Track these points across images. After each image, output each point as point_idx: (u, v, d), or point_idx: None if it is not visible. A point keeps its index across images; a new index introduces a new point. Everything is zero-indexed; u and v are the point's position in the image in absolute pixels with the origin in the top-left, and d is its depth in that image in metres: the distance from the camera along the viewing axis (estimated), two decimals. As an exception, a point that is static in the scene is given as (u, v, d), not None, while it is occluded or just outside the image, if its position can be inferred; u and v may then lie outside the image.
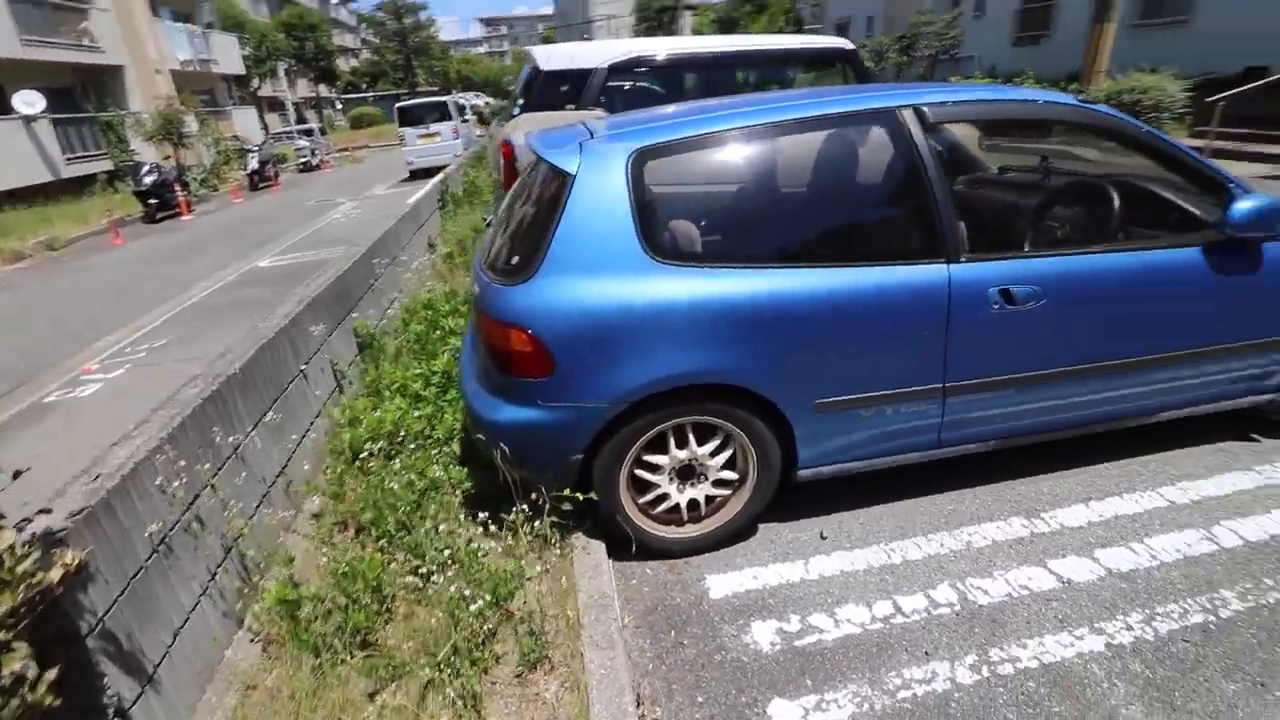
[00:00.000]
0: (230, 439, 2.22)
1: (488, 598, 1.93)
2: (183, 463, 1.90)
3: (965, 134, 3.14)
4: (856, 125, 2.27)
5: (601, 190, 2.12)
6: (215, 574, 2.02)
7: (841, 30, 24.72)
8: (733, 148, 2.22)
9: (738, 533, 2.44)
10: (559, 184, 2.18)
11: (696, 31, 33.98)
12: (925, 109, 2.23)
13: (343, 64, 42.81)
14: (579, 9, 48.21)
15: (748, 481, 2.35)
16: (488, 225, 3.06)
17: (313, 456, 2.88)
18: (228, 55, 23.14)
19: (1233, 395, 2.66)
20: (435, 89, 39.40)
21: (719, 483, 2.36)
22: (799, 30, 26.18)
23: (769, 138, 2.24)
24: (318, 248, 9.44)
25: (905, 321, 2.18)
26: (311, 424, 2.93)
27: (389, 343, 3.73)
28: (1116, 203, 2.44)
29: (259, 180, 16.91)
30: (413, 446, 2.79)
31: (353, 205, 13.32)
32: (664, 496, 2.34)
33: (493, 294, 2.19)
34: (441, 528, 2.37)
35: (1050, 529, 2.41)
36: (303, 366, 2.92)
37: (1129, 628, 1.97)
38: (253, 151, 17.28)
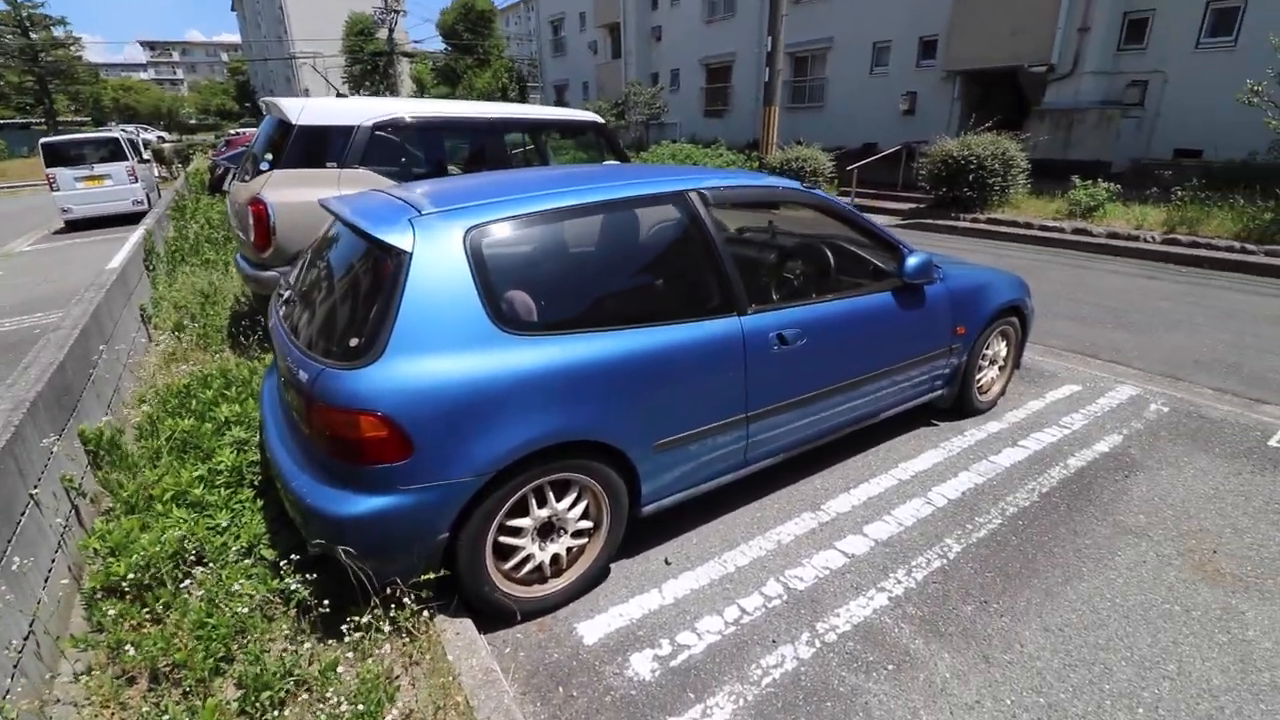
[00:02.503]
0: (-38, 603, 1.68)
1: (359, 710, 1.79)
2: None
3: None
4: (658, 205, 2.65)
5: (442, 267, 2.15)
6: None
7: (560, 92, 26.71)
8: (560, 224, 2.43)
9: (596, 577, 2.59)
10: (392, 261, 2.15)
11: (416, 79, 33.53)
12: (706, 192, 2.72)
13: (-71, 82, 32.36)
14: (274, 43, 43.73)
15: (602, 527, 2.53)
16: (281, 296, 2.77)
17: (60, 604, 2.27)
18: None
19: (920, 394, 3.65)
20: (84, 119, 32.14)
21: (576, 533, 2.49)
22: (523, 88, 27.61)
23: (589, 214, 2.50)
24: (-61, 327, 7.07)
25: (717, 365, 2.60)
26: (52, 563, 2.31)
27: (133, 447, 3.07)
28: (841, 260, 3.23)
29: None
30: (207, 565, 2.37)
31: (-17, 268, 10.21)
32: (528, 558, 2.39)
33: (328, 379, 2.05)
34: (278, 649, 2.10)
35: (830, 517, 3.04)
36: (33, 491, 2.29)
37: (899, 582, 2.61)
38: None
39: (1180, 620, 2.40)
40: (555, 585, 2.48)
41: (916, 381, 3.54)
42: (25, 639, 1.98)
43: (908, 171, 12.74)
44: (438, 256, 2.15)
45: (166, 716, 1.72)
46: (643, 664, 2.24)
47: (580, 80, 25.36)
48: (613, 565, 2.72)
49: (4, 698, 1.75)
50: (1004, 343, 4.08)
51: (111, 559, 2.34)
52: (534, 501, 2.33)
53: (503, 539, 2.31)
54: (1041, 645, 2.29)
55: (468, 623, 2.31)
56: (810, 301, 2.94)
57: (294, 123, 4.30)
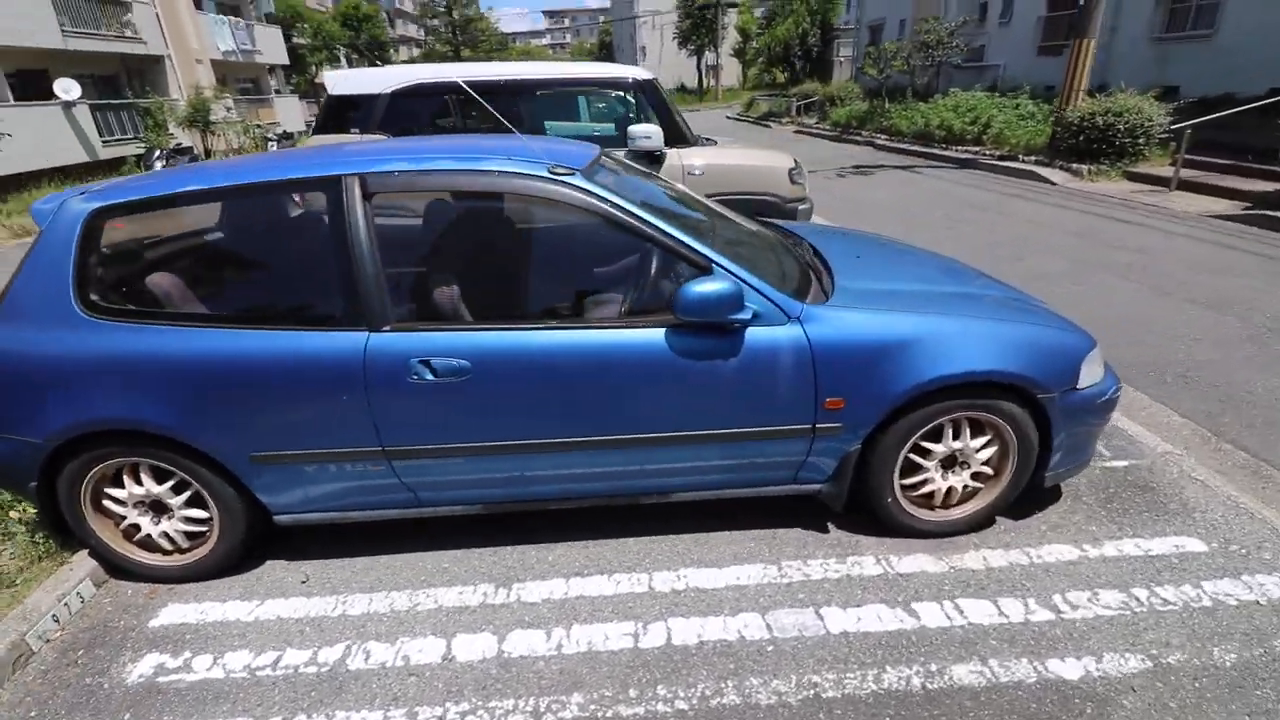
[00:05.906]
0: None
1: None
2: None
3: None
4: (298, 191, 2.33)
5: (56, 246, 2.29)
6: None
7: (875, 32, 23.72)
8: (184, 211, 2.35)
9: (229, 566, 2.58)
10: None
11: (741, 29, 33.43)
12: (369, 178, 2.28)
13: (405, 53, 44.56)
14: (625, 5, 48.30)
15: (214, 522, 2.49)
16: None
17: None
18: (271, 46, 24.70)
19: (758, 483, 2.57)
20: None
21: (192, 520, 2.51)
22: (825, 33, 25.19)
23: (218, 201, 2.35)
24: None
25: (321, 386, 2.24)
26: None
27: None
28: (592, 277, 2.41)
29: (278, 165, 18.00)
30: None
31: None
32: (136, 528, 2.51)
33: (-28, 333, 2.41)
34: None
35: (505, 602, 2.42)
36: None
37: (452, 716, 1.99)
38: (272, 140, 18.42)
39: None
40: (179, 560, 2.56)
41: (741, 465, 2.49)
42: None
43: (1304, 134, 8.22)
44: (56, 236, 2.30)
45: None
46: (144, 665, 2.20)
47: (898, 18, 21.93)
48: (271, 561, 2.67)
49: None
50: (982, 439, 2.55)
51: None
52: (131, 479, 2.42)
53: (107, 503, 2.47)
54: None
55: (90, 564, 2.56)
56: (486, 326, 2.28)
57: (329, 92, 4.84)
